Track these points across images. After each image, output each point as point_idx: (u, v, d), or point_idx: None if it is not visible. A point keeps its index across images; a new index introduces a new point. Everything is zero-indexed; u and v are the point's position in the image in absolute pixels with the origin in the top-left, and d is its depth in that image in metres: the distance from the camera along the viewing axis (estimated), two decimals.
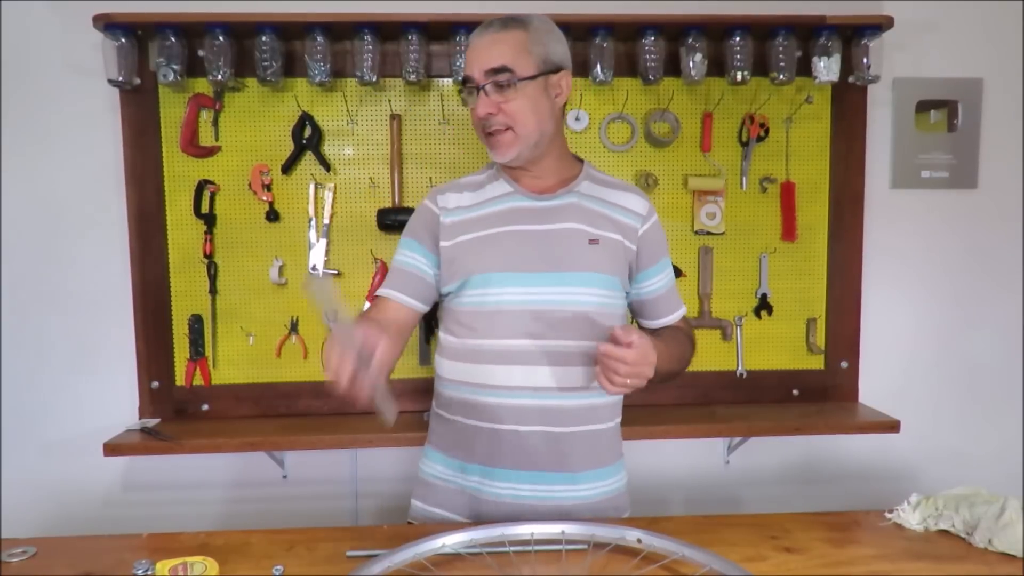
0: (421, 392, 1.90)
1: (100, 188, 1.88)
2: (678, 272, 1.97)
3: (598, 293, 1.17)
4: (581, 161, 1.27)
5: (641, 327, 1.31)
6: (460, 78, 1.79)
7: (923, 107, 2.02)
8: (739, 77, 1.83)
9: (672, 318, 1.30)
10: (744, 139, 1.95)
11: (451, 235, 1.19)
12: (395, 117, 1.90)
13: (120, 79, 1.75)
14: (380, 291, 1.23)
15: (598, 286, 1.17)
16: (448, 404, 1.23)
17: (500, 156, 1.17)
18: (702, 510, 2.05)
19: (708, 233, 1.97)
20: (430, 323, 1.89)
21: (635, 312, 1.30)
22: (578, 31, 1.80)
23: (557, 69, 1.16)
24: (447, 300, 1.23)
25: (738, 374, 2.01)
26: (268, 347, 1.94)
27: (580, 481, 1.19)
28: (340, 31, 1.78)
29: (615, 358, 1.01)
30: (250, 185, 1.89)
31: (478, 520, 1.16)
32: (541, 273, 1.16)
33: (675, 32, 1.82)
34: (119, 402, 1.91)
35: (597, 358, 1.03)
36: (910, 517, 1.08)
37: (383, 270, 1.90)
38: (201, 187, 1.87)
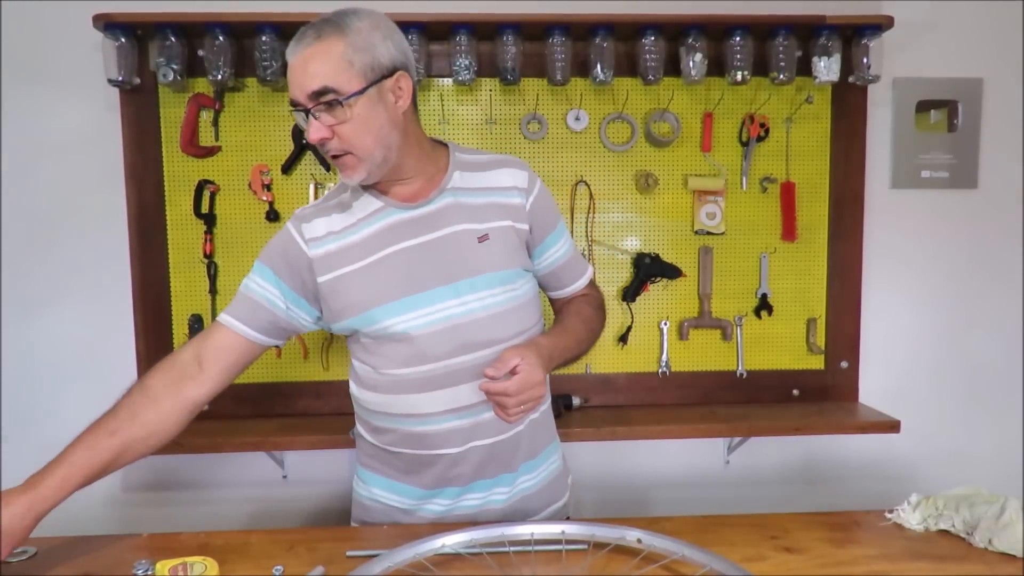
0: None
1: (100, 188, 1.88)
2: (678, 272, 1.97)
3: (502, 291, 1.11)
4: (446, 146, 1.17)
5: (552, 300, 1.28)
6: (458, 78, 1.80)
7: (923, 107, 2.02)
8: (739, 77, 1.83)
9: (579, 285, 1.25)
10: (744, 139, 1.95)
11: (328, 268, 1.10)
12: None
13: (120, 79, 1.75)
14: (220, 316, 1.12)
15: (499, 284, 1.11)
16: (377, 432, 1.18)
17: (348, 179, 1.07)
18: (702, 510, 2.04)
19: (708, 233, 1.97)
20: None
21: (542, 286, 1.25)
22: (578, 31, 1.80)
23: (391, 72, 1.03)
24: (351, 334, 1.15)
25: (738, 374, 2.01)
26: None
27: (523, 473, 1.18)
28: None
29: (496, 392, 0.98)
30: (250, 185, 1.89)
31: None
32: (438, 289, 1.09)
33: (675, 32, 1.82)
34: None
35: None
36: (910, 517, 1.08)
37: None
38: (201, 187, 1.87)
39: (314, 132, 1.01)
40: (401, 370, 1.11)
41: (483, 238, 1.11)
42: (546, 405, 1.24)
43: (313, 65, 0.99)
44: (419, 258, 1.09)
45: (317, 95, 0.99)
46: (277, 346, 1.16)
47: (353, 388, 1.20)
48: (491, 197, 1.14)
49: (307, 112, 1.01)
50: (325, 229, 1.11)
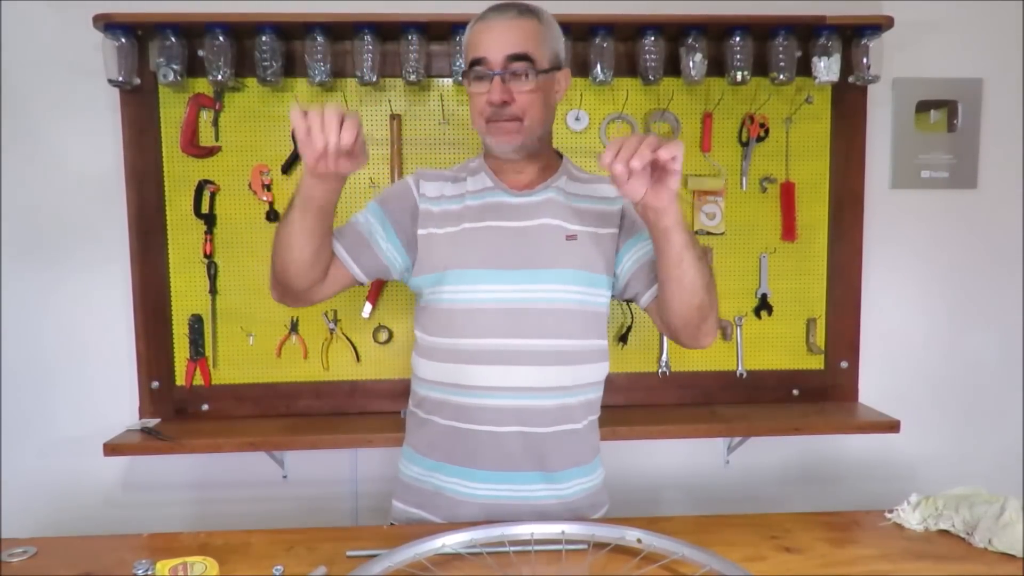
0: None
1: (100, 188, 1.88)
2: None
3: (574, 290, 1.14)
4: (561, 156, 1.25)
5: (645, 308, 1.19)
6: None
7: (923, 107, 2.02)
8: (739, 77, 1.83)
9: None
10: (744, 139, 1.95)
11: (428, 223, 1.18)
12: (395, 117, 1.90)
13: (120, 79, 1.75)
14: None
15: (574, 283, 1.14)
16: (423, 403, 1.21)
17: (505, 144, 1.13)
18: (702, 510, 2.05)
19: (708, 233, 1.97)
20: None
21: (633, 296, 1.18)
22: (578, 31, 1.80)
23: (560, 66, 1.16)
24: (421, 298, 1.21)
25: (738, 374, 2.01)
26: (268, 347, 1.94)
27: (558, 480, 1.17)
28: (340, 31, 1.78)
29: (612, 145, 0.91)
30: (250, 185, 1.89)
31: (456, 521, 1.14)
32: (515, 270, 1.13)
33: (675, 32, 1.82)
34: (119, 402, 1.91)
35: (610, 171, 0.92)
36: (910, 517, 1.08)
37: None
38: (201, 187, 1.87)
39: (497, 93, 1.09)
40: (459, 339, 1.15)
41: (571, 237, 1.15)
42: (590, 420, 1.21)
43: (518, 34, 1.09)
44: (505, 239, 1.15)
45: (515, 59, 1.09)
46: (361, 283, 1.22)
47: (413, 357, 1.24)
48: (592, 204, 1.18)
49: (493, 74, 1.09)
50: (438, 192, 1.21)
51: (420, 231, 1.18)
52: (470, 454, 1.15)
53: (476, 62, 1.10)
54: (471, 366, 1.14)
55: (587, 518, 1.17)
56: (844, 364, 2.02)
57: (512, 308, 1.13)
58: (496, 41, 1.09)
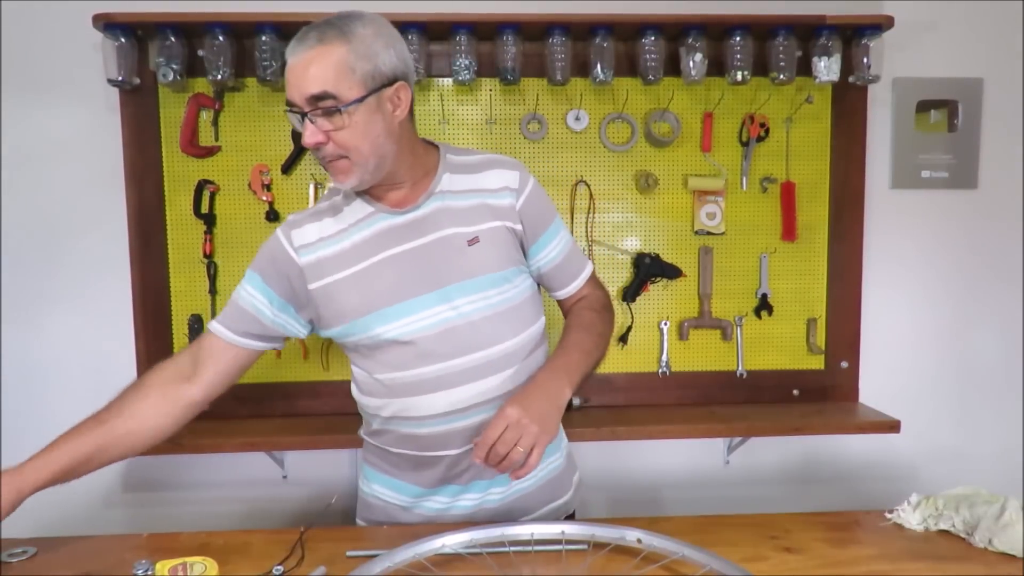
0: None
1: (100, 188, 1.88)
2: (678, 272, 1.97)
3: (495, 293, 1.11)
4: (437, 147, 1.16)
5: (557, 301, 1.25)
6: (458, 78, 1.80)
7: (923, 107, 2.02)
8: (739, 77, 1.83)
9: (576, 284, 1.22)
10: (744, 139, 1.95)
11: (320, 275, 1.09)
12: None
13: (120, 79, 1.75)
14: (211, 322, 1.15)
15: (491, 287, 1.10)
16: (377, 435, 1.19)
17: (340, 184, 1.07)
18: (702, 510, 2.05)
19: (708, 233, 1.97)
20: None
21: (544, 287, 1.23)
22: (578, 31, 1.80)
23: (391, 81, 1.02)
24: (346, 340, 1.15)
25: (738, 374, 2.01)
26: None
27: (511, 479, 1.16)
28: None
29: (482, 445, 0.96)
30: (250, 185, 1.89)
31: None
32: (429, 294, 1.08)
33: (675, 32, 1.82)
34: None
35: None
36: (910, 517, 1.08)
37: None
38: (201, 187, 1.87)
39: (309, 136, 1.01)
40: (396, 374, 1.11)
41: (473, 241, 1.10)
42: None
43: (314, 69, 0.97)
44: (409, 264, 1.09)
45: (316, 99, 0.98)
46: (275, 348, 1.18)
47: (353, 390, 1.21)
48: (481, 199, 1.12)
49: (303, 115, 1.00)
50: (317, 235, 1.11)
51: (313, 285, 1.10)
52: (436, 476, 1.15)
53: (289, 103, 1.01)
54: (413, 398, 1.11)
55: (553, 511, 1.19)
56: (844, 364, 2.02)
57: (439, 332, 1.08)
58: (295, 81, 0.99)
